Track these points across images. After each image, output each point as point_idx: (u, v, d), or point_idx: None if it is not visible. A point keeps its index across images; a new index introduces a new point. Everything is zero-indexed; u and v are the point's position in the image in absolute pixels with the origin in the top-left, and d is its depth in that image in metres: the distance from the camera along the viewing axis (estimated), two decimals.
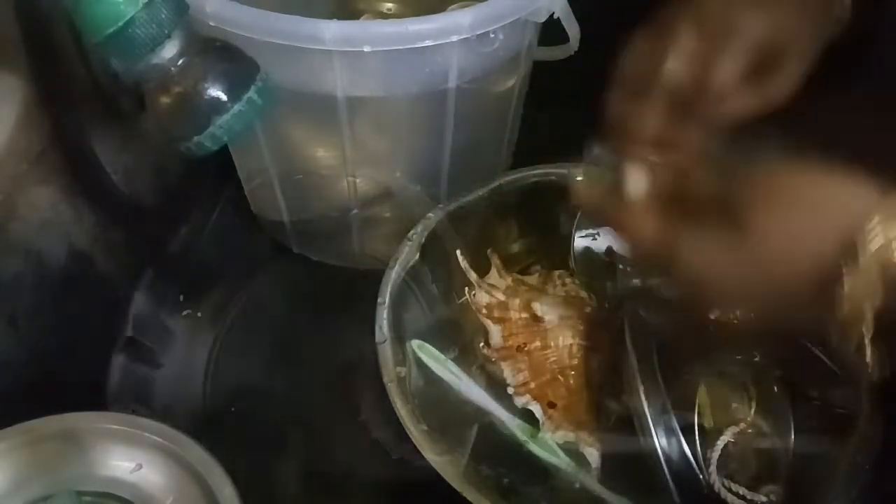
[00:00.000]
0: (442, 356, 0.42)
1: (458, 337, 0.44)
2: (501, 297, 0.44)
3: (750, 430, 0.39)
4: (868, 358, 0.31)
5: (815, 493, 0.37)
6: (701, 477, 0.36)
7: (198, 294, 0.52)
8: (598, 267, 0.46)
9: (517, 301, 0.44)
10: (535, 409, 0.40)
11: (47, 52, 0.41)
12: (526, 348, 0.42)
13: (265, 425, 0.47)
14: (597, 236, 0.48)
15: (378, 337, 0.40)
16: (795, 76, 0.37)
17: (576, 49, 0.46)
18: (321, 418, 0.45)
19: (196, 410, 0.49)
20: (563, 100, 0.54)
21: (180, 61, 0.33)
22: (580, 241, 0.47)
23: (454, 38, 0.39)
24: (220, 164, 0.51)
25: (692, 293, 0.34)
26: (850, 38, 0.37)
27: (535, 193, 0.48)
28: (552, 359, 0.42)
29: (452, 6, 0.43)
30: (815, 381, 0.39)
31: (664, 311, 0.41)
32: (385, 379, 0.39)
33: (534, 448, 0.39)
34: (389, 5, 0.62)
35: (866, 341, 0.31)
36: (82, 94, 0.44)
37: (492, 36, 0.41)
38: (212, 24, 0.38)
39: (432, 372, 0.42)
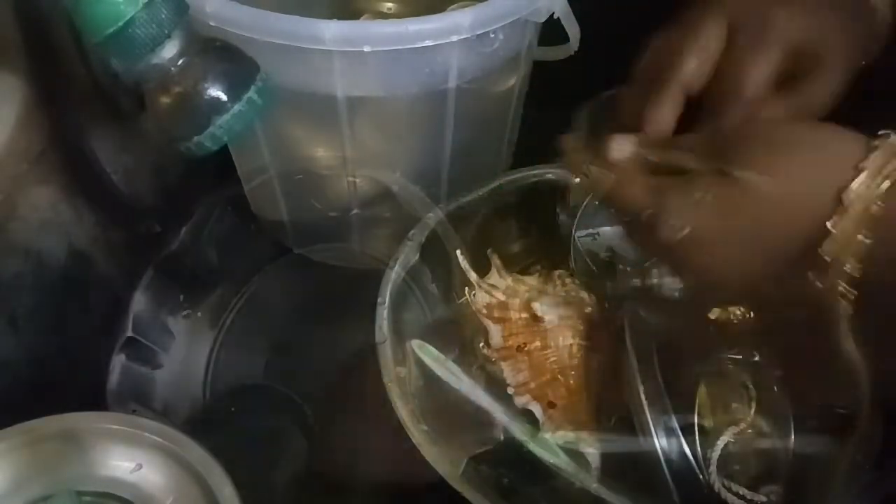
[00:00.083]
0: (442, 356, 0.42)
1: (458, 337, 0.44)
2: (501, 297, 0.44)
3: (750, 430, 0.39)
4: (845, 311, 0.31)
5: (815, 493, 0.37)
6: (701, 477, 0.36)
7: (198, 294, 0.52)
8: (598, 267, 0.46)
9: (517, 301, 0.44)
10: (535, 409, 0.40)
11: (47, 52, 0.41)
12: (526, 348, 0.42)
13: (265, 425, 0.47)
14: (597, 236, 0.48)
15: (378, 337, 0.40)
16: (829, 89, 0.37)
17: (576, 49, 0.46)
18: (321, 418, 0.45)
19: (196, 410, 0.49)
20: (563, 100, 0.54)
21: (180, 61, 0.33)
22: (580, 241, 0.47)
23: (454, 38, 0.39)
24: (220, 164, 0.51)
25: (680, 257, 0.34)
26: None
27: (535, 193, 0.48)
28: (552, 359, 0.42)
29: (452, 6, 0.43)
30: (816, 381, 0.39)
31: (664, 311, 0.41)
32: (385, 379, 0.39)
33: (534, 448, 0.39)
34: (389, 5, 0.62)
35: (846, 292, 0.31)
36: (82, 94, 0.44)
37: (492, 36, 0.41)
38: (212, 24, 0.38)
39: (432, 372, 0.42)
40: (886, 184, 0.30)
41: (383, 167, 0.48)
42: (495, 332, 0.43)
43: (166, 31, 0.32)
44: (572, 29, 0.45)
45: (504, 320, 0.43)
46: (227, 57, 0.35)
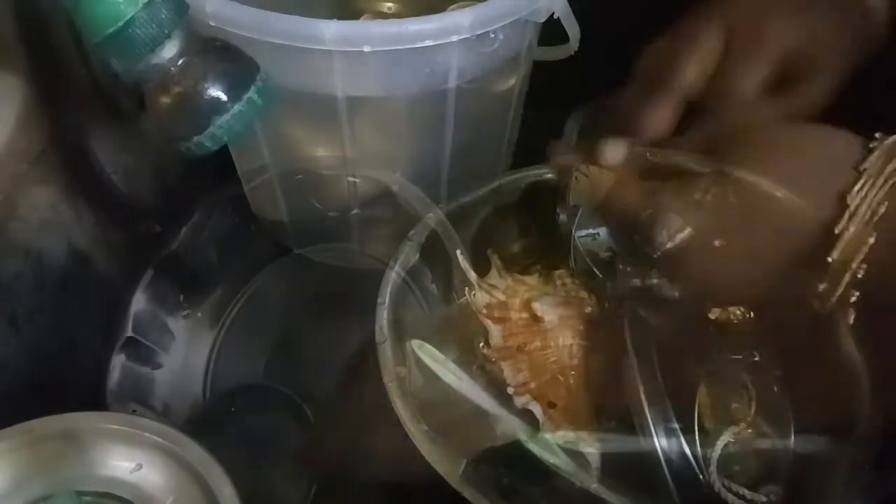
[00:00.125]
0: (442, 356, 0.42)
1: (458, 337, 0.44)
2: (501, 297, 0.44)
3: (750, 430, 0.39)
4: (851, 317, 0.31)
5: (815, 493, 0.37)
6: (701, 477, 0.36)
7: (198, 294, 0.52)
8: (598, 267, 0.46)
9: (517, 301, 0.44)
10: (535, 409, 0.40)
11: (47, 52, 0.41)
12: (526, 348, 0.42)
13: (265, 425, 0.47)
14: (597, 236, 0.48)
15: (378, 337, 0.40)
16: (824, 91, 0.37)
17: (576, 49, 0.46)
18: (321, 418, 0.45)
19: (196, 410, 0.49)
20: (563, 100, 0.54)
21: (180, 61, 0.33)
22: (580, 241, 0.47)
23: (454, 38, 0.39)
24: (220, 164, 0.51)
25: (679, 263, 0.34)
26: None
27: (535, 193, 0.48)
28: (552, 359, 0.42)
29: (452, 6, 0.43)
30: (816, 381, 0.39)
31: (664, 311, 0.41)
32: (385, 379, 0.39)
33: (534, 448, 0.39)
34: (389, 5, 0.62)
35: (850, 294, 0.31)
36: (82, 94, 0.44)
37: (492, 36, 0.41)
38: (212, 24, 0.38)
39: (432, 372, 0.42)
40: (888, 185, 0.30)
41: (383, 167, 0.48)
42: (495, 332, 0.43)
43: (166, 31, 0.32)
44: (572, 29, 0.45)
45: (504, 320, 0.43)
46: (227, 57, 0.35)
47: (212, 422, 0.47)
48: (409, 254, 0.43)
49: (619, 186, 0.34)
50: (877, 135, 0.31)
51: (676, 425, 0.36)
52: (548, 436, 0.40)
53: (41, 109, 0.41)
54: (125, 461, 0.33)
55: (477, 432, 0.41)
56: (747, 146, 0.33)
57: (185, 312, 0.52)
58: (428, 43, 0.39)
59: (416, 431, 0.37)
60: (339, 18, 0.38)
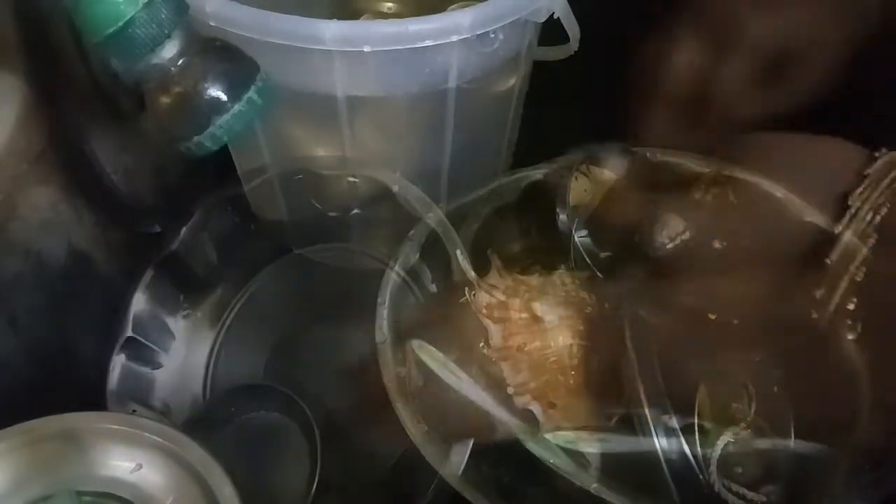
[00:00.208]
0: (442, 356, 0.42)
1: (458, 337, 0.44)
2: (501, 297, 0.44)
3: (750, 430, 0.39)
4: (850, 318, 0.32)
5: (815, 493, 0.37)
6: (701, 477, 0.36)
7: (198, 294, 0.52)
8: (598, 267, 0.46)
9: (517, 301, 0.44)
10: (535, 409, 0.40)
11: (47, 52, 0.41)
12: (526, 348, 0.42)
13: (265, 425, 0.47)
14: (597, 236, 0.48)
15: (378, 337, 0.40)
16: (815, 79, 0.37)
17: (576, 49, 0.46)
18: (321, 418, 0.45)
19: (196, 410, 0.49)
20: (563, 100, 0.54)
21: (180, 61, 0.33)
22: (580, 241, 0.47)
23: (454, 38, 0.39)
24: (220, 164, 0.51)
25: (679, 267, 0.34)
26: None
27: (535, 193, 0.48)
28: (552, 359, 0.42)
29: (452, 6, 0.43)
30: (816, 381, 0.39)
31: (664, 311, 0.41)
32: (385, 379, 0.39)
33: (534, 448, 0.39)
34: (389, 5, 0.62)
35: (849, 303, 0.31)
36: (82, 94, 0.44)
37: (492, 36, 0.41)
38: (212, 24, 0.38)
39: (432, 372, 0.42)
40: (891, 190, 0.30)
41: (383, 167, 0.48)
42: (495, 332, 0.43)
43: (166, 31, 0.32)
44: (572, 29, 0.45)
45: (504, 320, 0.43)
46: (227, 57, 0.35)
47: (212, 422, 0.47)
48: (409, 254, 0.43)
49: (620, 186, 0.34)
50: (882, 149, 0.31)
51: (676, 425, 0.36)
52: (548, 436, 0.40)
53: (41, 109, 0.41)
54: (125, 461, 0.33)
55: (477, 432, 0.41)
56: (751, 152, 0.33)
57: (185, 312, 0.52)
58: (428, 43, 0.39)
59: (416, 431, 0.37)
60: (339, 18, 0.38)
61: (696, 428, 0.38)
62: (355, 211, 0.50)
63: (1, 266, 0.41)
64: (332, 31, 0.38)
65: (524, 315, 0.44)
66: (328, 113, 0.43)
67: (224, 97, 0.34)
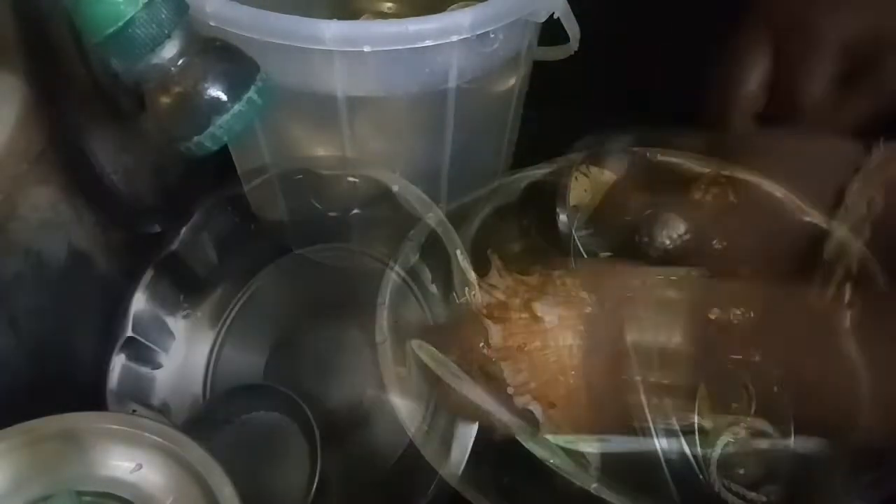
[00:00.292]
0: (442, 356, 0.42)
1: (458, 337, 0.44)
2: (501, 297, 0.44)
3: (750, 430, 0.39)
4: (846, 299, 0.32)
5: (815, 493, 0.37)
6: (701, 477, 0.36)
7: (198, 294, 0.52)
8: (598, 266, 0.46)
9: (517, 301, 0.44)
10: (535, 409, 0.40)
11: (47, 52, 0.41)
12: (526, 348, 0.42)
13: (265, 425, 0.47)
14: (597, 236, 0.48)
15: (378, 337, 0.40)
16: None
17: (576, 49, 0.46)
18: (321, 418, 0.45)
19: (196, 410, 0.49)
20: (563, 100, 0.54)
21: (180, 61, 0.33)
22: (580, 241, 0.47)
23: (454, 38, 0.39)
24: (220, 164, 0.51)
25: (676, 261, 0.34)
26: None
27: (535, 193, 0.48)
28: (552, 359, 0.42)
29: (452, 6, 0.43)
30: (816, 381, 0.39)
31: (664, 311, 0.41)
32: (385, 379, 0.39)
33: (534, 448, 0.39)
34: (389, 5, 0.62)
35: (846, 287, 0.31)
36: (82, 94, 0.44)
37: (492, 36, 0.41)
38: (212, 24, 0.38)
39: (432, 372, 0.42)
40: (885, 183, 0.30)
41: (383, 167, 0.48)
42: (495, 332, 0.43)
43: (166, 31, 0.32)
44: (572, 29, 0.45)
45: (504, 320, 0.43)
46: (227, 57, 0.35)
47: (212, 422, 0.47)
48: (409, 254, 0.43)
49: (620, 186, 0.34)
50: (879, 142, 0.31)
51: (676, 425, 0.36)
52: (548, 436, 0.40)
53: (41, 109, 0.41)
54: (125, 461, 0.33)
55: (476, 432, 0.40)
56: (749, 151, 0.33)
57: (185, 312, 0.52)
58: (428, 43, 0.39)
59: (416, 431, 0.37)
60: (339, 18, 0.38)
61: (696, 428, 0.38)
62: (355, 211, 0.50)
63: (1, 266, 0.41)
64: (332, 31, 0.38)
65: (524, 315, 0.44)
66: (328, 113, 0.43)
67: (224, 97, 0.34)
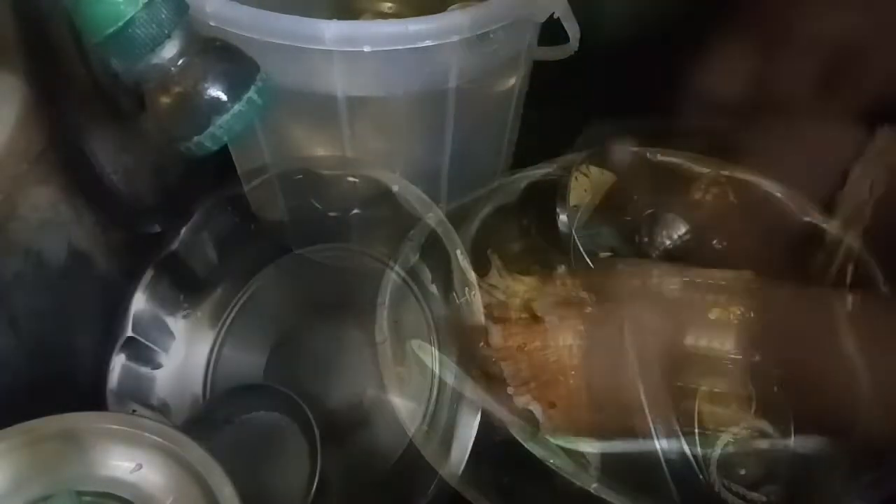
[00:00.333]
0: (442, 356, 0.42)
1: (458, 337, 0.44)
2: (501, 296, 0.44)
3: (750, 430, 0.39)
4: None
5: (815, 493, 0.37)
6: (701, 477, 0.36)
7: (198, 294, 0.52)
8: (598, 266, 0.46)
9: (517, 301, 0.44)
10: (535, 409, 0.40)
11: (47, 52, 0.41)
12: (526, 348, 0.42)
13: (265, 425, 0.47)
14: (597, 236, 0.48)
15: (378, 337, 0.40)
16: (887, 76, 0.35)
17: (576, 49, 0.46)
18: (321, 418, 0.45)
19: (196, 410, 0.49)
20: (563, 100, 0.54)
21: (180, 61, 0.33)
22: (580, 241, 0.47)
23: (454, 38, 0.39)
24: (220, 164, 0.51)
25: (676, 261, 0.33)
26: None
27: (535, 193, 0.48)
28: (552, 359, 0.42)
29: (452, 6, 0.43)
30: (816, 381, 0.39)
31: (664, 311, 0.41)
32: (385, 379, 0.39)
33: (534, 448, 0.39)
34: (389, 5, 0.62)
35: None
36: (82, 94, 0.44)
37: (492, 36, 0.41)
38: (212, 24, 0.38)
39: (432, 372, 0.42)
40: (889, 165, 0.30)
41: (383, 167, 0.48)
42: (495, 332, 0.43)
43: (166, 31, 0.32)
44: (572, 29, 0.45)
45: (504, 320, 0.43)
46: (227, 57, 0.35)
47: (212, 422, 0.47)
48: (409, 254, 0.43)
49: (620, 187, 0.34)
50: (883, 126, 0.31)
51: (676, 425, 0.36)
52: (548, 436, 0.40)
53: (41, 109, 0.41)
54: (125, 461, 0.33)
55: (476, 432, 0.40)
56: (748, 145, 0.33)
57: (185, 312, 0.52)
58: (428, 43, 0.39)
59: (416, 431, 0.37)
60: (339, 18, 0.38)
61: (697, 428, 0.38)
62: (355, 211, 0.50)
63: (1, 266, 0.41)
64: (332, 31, 0.38)
65: (524, 315, 0.44)
66: (328, 113, 0.43)
67: (224, 97, 0.34)
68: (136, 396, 0.48)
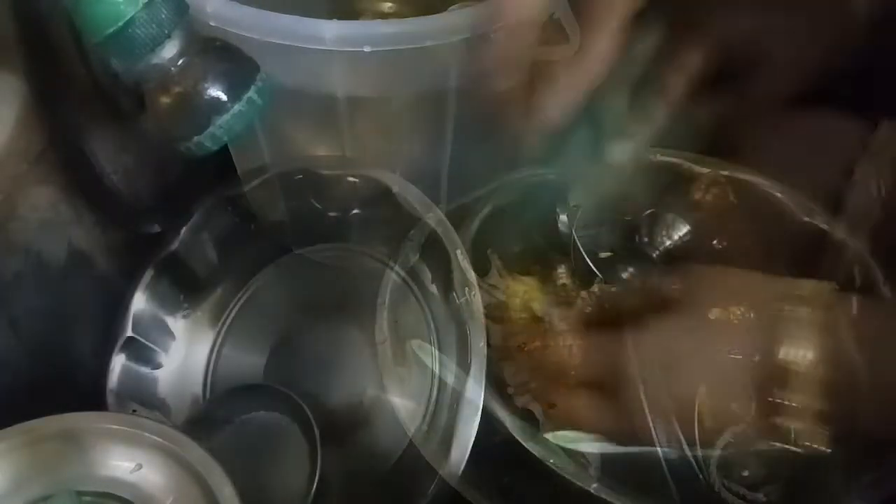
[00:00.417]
0: (442, 356, 0.42)
1: (458, 337, 0.44)
2: (501, 297, 0.44)
3: (750, 430, 0.39)
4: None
5: (814, 493, 0.37)
6: (701, 477, 0.36)
7: (198, 294, 0.52)
8: (598, 267, 0.46)
9: (517, 301, 0.44)
10: (535, 409, 0.40)
11: (47, 52, 0.41)
12: (526, 348, 0.42)
13: (265, 425, 0.47)
14: (597, 236, 0.48)
15: (378, 337, 0.40)
16: (771, 87, 0.36)
17: (576, 49, 0.46)
18: (322, 418, 0.45)
19: (196, 410, 0.49)
20: None
21: (180, 61, 0.33)
22: (580, 241, 0.47)
23: (455, 38, 0.39)
24: (220, 164, 0.51)
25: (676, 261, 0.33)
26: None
27: (535, 193, 0.48)
28: (552, 359, 0.42)
29: (452, 6, 0.43)
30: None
31: (664, 311, 0.41)
32: (385, 379, 0.39)
33: (534, 448, 0.39)
34: (389, 5, 0.62)
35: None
36: (82, 94, 0.44)
37: (492, 36, 0.41)
38: (212, 24, 0.38)
39: (432, 372, 0.42)
40: (892, 160, 0.30)
41: (383, 167, 0.48)
42: (495, 332, 0.43)
43: (166, 31, 0.32)
44: (572, 29, 0.45)
45: (504, 320, 0.43)
46: (227, 57, 0.35)
47: (212, 422, 0.47)
48: (409, 254, 0.43)
49: (620, 187, 0.34)
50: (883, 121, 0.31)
51: (677, 425, 0.36)
52: (548, 436, 0.40)
53: (41, 109, 0.41)
54: (125, 461, 0.33)
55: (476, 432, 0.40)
56: (747, 141, 0.33)
57: (185, 312, 0.52)
58: (428, 43, 0.39)
59: (417, 432, 0.37)
60: (339, 18, 0.38)
61: (697, 428, 0.38)
62: (355, 211, 0.50)
63: (1, 266, 0.41)
64: (332, 31, 0.38)
65: (524, 315, 0.44)
66: (328, 113, 0.43)
67: (224, 97, 0.34)
68: (136, 396, 0.48)
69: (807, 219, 0.40)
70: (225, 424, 0.47)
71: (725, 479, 0.37)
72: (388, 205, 0.47)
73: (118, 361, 0.47)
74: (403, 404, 0.39)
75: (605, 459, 0.39)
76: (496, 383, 0.42)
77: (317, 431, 0.44)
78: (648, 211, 0.46)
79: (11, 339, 0.42)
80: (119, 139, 0.48)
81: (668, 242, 0.45)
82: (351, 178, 0.48)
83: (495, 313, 0.44)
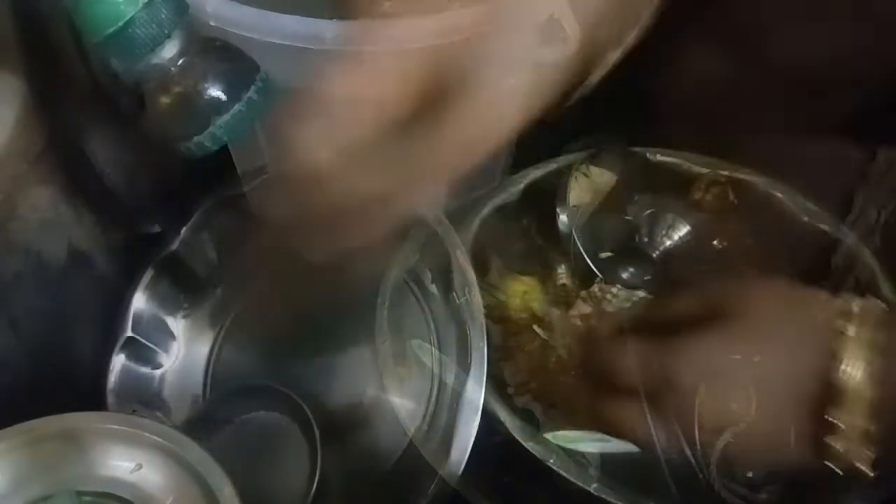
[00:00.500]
0: (442, 356, 0.42)
1: (458, 336, 0.44)
2: (501, 297, 0.44)
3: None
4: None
5: (815, 493, 0.37)
6: (701, 477, 0.36)
7: (198, 294, 0.52)
8: (598, 267, 0.46)
9: (517, 301, 0.44)
10: (535, 409, 0.40)
11: (47, 52, 0.41)
12: (526, 348, 0.42)
13: (265, 426, 0.47)
14: (597, 236, 0.48)
15: (378, 337, 0.40)
16: (853, 99, 0.35)
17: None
18: (321, 418, 0.45)
19: (196, 410, 0.49)
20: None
21: (180, 61, 0.33)
22: (580, 241, 0.47)
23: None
24: (220, 164, 0.51)
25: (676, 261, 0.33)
26: None
27: (535, 193, 0.48)
28: (552, 359, 0.42)
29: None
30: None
31: (663, 311, 0.41)
32: (385, 379, 0.39)
33: (534, 448, 0.39)
34: (389, 5, 0.61)
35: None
36: (82, 94, 0.44)
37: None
38: (212, 24, 0.38)
39: (432, 372, 0.42)
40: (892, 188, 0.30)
41: None
42: (495, 332, 0.43)
43: (166, 31, 0.32)
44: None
45: (504, 320, 0.43)
46: (227, 57, 0.35)
47: (212, 422, 0.47)
48: (409, 254, 0.43)
49: (620, 187, 0.34)
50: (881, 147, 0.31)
51: (676, 425, 0.36)
52: (548, 436, 0.40)
53: (41, 109, 0.41)
54: (125, 461, 0.33)
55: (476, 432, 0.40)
56: (752, 151, 0.33)
57: (185, 312, 0.52)
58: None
59: (416, 431, 0.37)
60: (339, 18, 0.38)
61: (697, 428, 0.38)
62: None
63: (1, 266, 0.41)
64: (332, 31, 0.38)
65: (524, 315, 0.44)
66: None
67: (224, 97, 0.34)
68: (136, 396, 0.48)
69: (807, 219, 0.40)
70: (225, 424, 0.47)
71: (725, 479, 0.37)
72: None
73: (118, 361, 0.47)
74: (403, 404, 0.39)
75: (605, 459, 0.39)
76: (496, 383, 0.42)
77: (317, 431, 0.44)
78: (648, 211, 0.46)
79: (11, 339, 0.42)
80: (119, 139, 0.48)
81: (668, 242, 0.45)
82: None
83: (495, 313, 0.44)
